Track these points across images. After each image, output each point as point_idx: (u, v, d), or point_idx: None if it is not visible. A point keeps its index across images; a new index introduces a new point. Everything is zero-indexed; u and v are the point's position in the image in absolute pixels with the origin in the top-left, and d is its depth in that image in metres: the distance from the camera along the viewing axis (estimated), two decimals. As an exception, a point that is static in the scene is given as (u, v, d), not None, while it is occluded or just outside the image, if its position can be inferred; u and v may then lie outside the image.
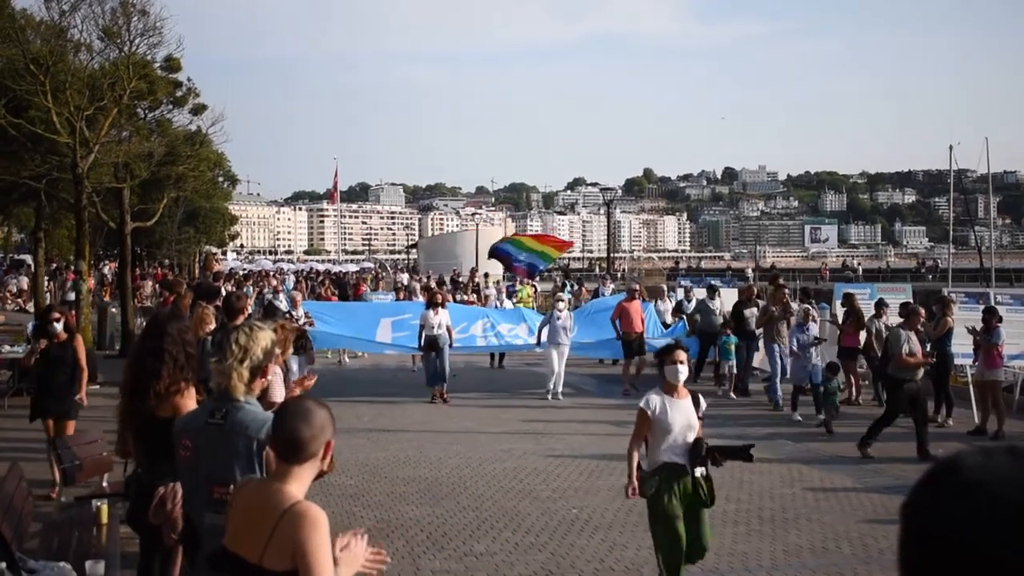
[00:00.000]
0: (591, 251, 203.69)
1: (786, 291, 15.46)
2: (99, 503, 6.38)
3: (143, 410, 4.63)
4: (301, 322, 13.93)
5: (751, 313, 15.84)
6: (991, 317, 12.61)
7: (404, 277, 38.92)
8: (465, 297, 24.50)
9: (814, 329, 13.98)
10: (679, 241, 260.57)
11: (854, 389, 14.67)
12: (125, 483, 6.21)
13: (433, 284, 25.85)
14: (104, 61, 17.61)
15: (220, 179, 42.51)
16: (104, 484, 7.75)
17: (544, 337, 15.41)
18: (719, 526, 7.99)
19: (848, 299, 14.85)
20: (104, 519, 6.22)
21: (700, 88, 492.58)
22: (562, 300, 16.05)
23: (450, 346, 14.90)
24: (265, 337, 3.79)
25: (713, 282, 21.53)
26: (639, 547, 7.37)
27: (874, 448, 11.22)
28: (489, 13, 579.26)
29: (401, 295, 23.14)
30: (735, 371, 15.65)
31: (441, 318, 14.79)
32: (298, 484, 2.88)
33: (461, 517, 8.27)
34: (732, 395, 15.37)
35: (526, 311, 19.00)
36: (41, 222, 23.80)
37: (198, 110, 21.35)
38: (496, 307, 19.60)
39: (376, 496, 9.00)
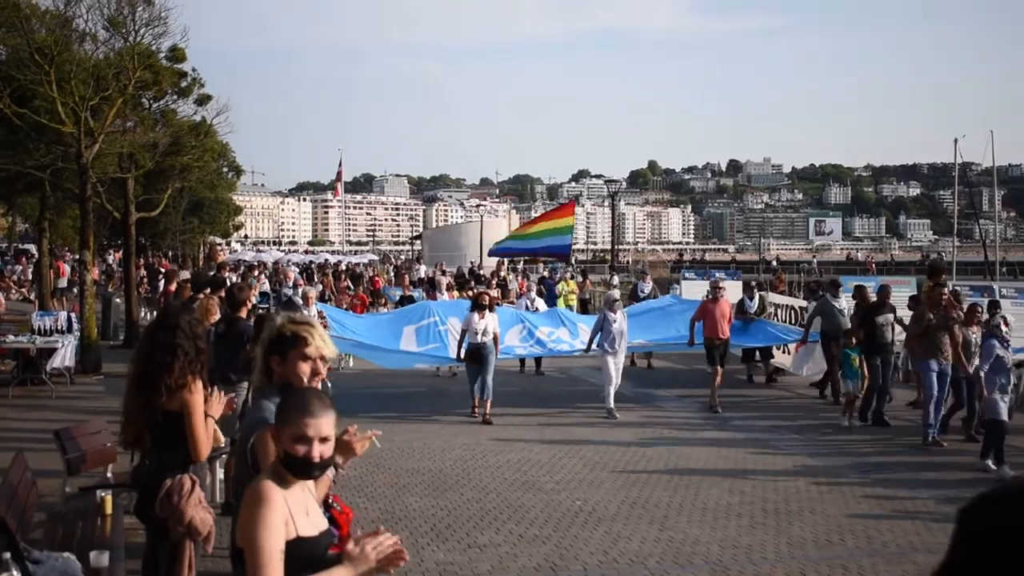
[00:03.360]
0: (595, 243, 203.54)
1: (946, 291, 12.20)
2: (103, 493, 6.39)
3: (152, 403, 4.63)
4: None
5: (886, 320, 12.91)
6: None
7: (421, 269, 35.67)
8: (491, 293, 22.17)
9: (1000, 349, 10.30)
10: (683, 233, 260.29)
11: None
12: (132, 474, 6.23)
13: (443, 277, 23.15)
14: (109, 51, 17.55)
15: (224, 169, 42.42)
16: (108, 474, 7.77)
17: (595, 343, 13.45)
18: (723, 518, 8.00)
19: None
20: (108, 509, 6.23)
21: (704, 81, 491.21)
22: (616, 299, 13.78)
23: (495, 356, 13.01)
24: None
25: (838, 278, 17.34)
26: (643, 539, 7.38)
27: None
28: (494, 6, 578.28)
29: (408, 291, 21.15)
30: (859, 393, 12.62)
31: (488, 323, 12.86)
32: (271, 467, 2.86)
33: (465, 509, 8.28)
34: (856, 421, 12.46)
35: (563, 312, 17.10)
36: (45, 212, 23.82)
37: (203, 100, 21.31)
38: (527, 307, 17.07)
39: (379, 487, 9.01)
